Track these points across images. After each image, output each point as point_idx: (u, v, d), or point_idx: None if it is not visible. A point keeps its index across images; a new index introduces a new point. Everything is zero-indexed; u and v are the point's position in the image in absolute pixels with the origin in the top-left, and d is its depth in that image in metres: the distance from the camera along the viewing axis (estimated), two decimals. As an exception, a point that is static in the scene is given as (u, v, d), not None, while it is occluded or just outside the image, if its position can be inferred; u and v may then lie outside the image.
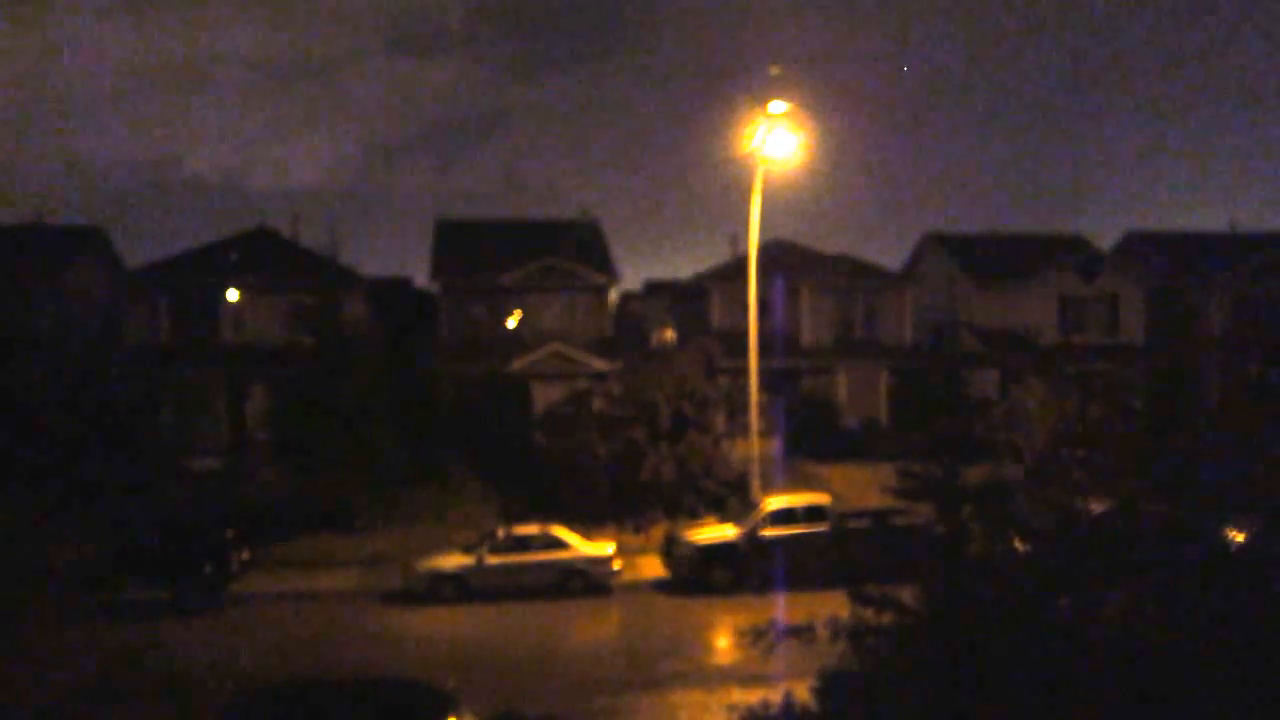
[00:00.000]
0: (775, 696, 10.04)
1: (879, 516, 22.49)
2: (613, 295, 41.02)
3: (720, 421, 32.20)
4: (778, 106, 27.29)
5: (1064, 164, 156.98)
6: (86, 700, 15.19)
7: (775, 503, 25.70)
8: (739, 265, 34.77)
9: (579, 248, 39.97)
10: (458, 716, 12.17)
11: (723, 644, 21.27)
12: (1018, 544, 9.43)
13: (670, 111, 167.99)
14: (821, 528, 24.65)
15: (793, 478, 32.64)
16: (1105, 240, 47.01)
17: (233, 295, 36.38)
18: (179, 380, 34.41)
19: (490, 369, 35.66)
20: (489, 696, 15.00)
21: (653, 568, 25.92)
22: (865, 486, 29.97)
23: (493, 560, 24.05)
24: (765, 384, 32.47)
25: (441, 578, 23.91)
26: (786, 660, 11.22)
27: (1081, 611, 8.46)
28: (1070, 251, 42.25)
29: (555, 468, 30.67)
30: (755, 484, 29.35)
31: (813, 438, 36.02)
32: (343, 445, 28.95)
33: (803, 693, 9.94)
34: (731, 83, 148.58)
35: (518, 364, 35.63)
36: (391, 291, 42.07)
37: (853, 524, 24.23)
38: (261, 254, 38.27)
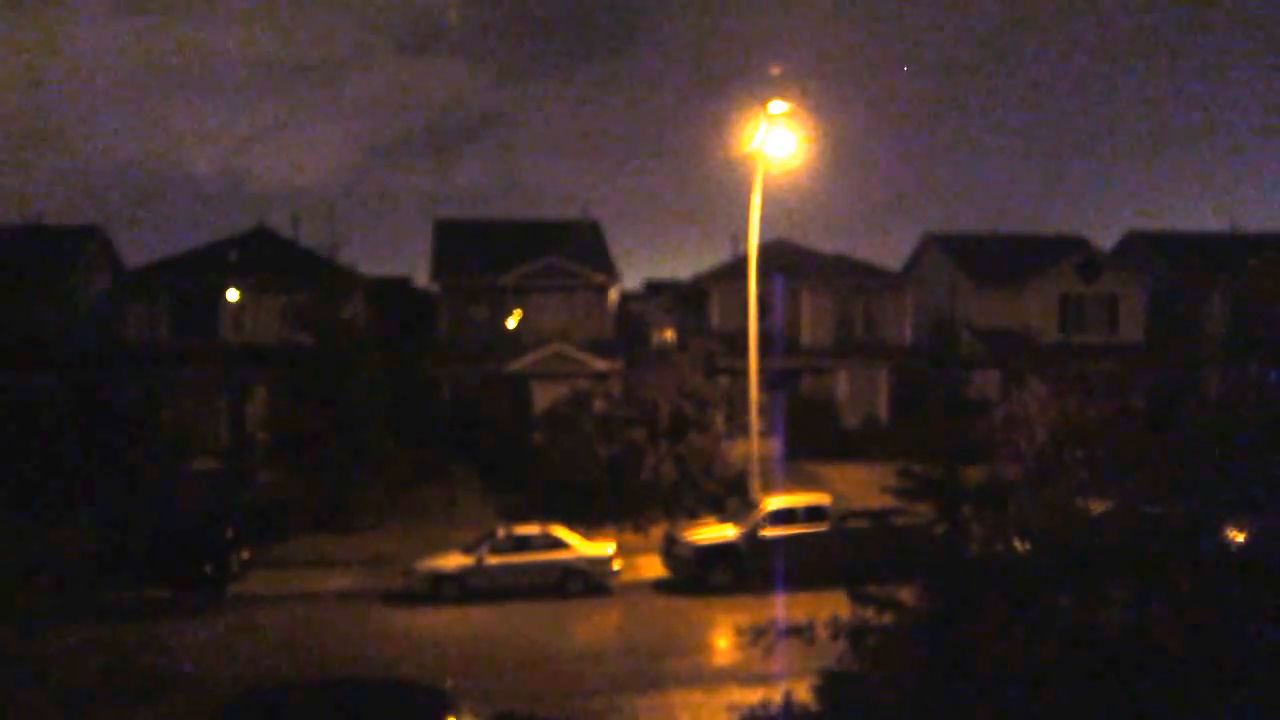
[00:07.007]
0: (775, 696, 10.02)
1: (879, 516, 22.42)
2: (613, 295, 41.00)
3: (720, 421, 32.18)
4: (778, 106, 27.29)
5: (1064, 164, 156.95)
6: (86, 700, 15.17)
7: (775, 503, 25.67)
8: (739, 265, 34.77)
9: (579, 248, 39.97)
10: (457, 716, 12.17)
11: (723, 644, 21.24)
12: (1018, 544, 9.43)
13: (670, 111, 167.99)
14: (821, 528, 24.64)
15: (793, 478, 32.63)
16: (1105, 240, 47.12)
17: (233, 295, 36.35)
18: (179, 380, 34.41)
19: (490, 369, 35.65)
20: (489, 696, 15.01)
21: (653, 568, 25.89)
22: (865, 486, 29.93)
23: (493, 560, 24.03)
24: (765, 384, 32.47)
25: (442, 578, 23.89)
26: (786, 660, 11.23)
27: (1081, 611, 8.45)
28: (1070, 251, 42.23)
29: (555, 468, 30.64)
30: (755, 484, 29.34)
31: (813, 438, 36.02)
32: (343, 445, 28.95)
33: (803, 693, 9.93)
34: (731, 83, 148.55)
35: (518, 364, 35.61)
36: (391, 291, 42.05)
37: (853, 524, 24.22)
38: (261, 254, 38.24)
